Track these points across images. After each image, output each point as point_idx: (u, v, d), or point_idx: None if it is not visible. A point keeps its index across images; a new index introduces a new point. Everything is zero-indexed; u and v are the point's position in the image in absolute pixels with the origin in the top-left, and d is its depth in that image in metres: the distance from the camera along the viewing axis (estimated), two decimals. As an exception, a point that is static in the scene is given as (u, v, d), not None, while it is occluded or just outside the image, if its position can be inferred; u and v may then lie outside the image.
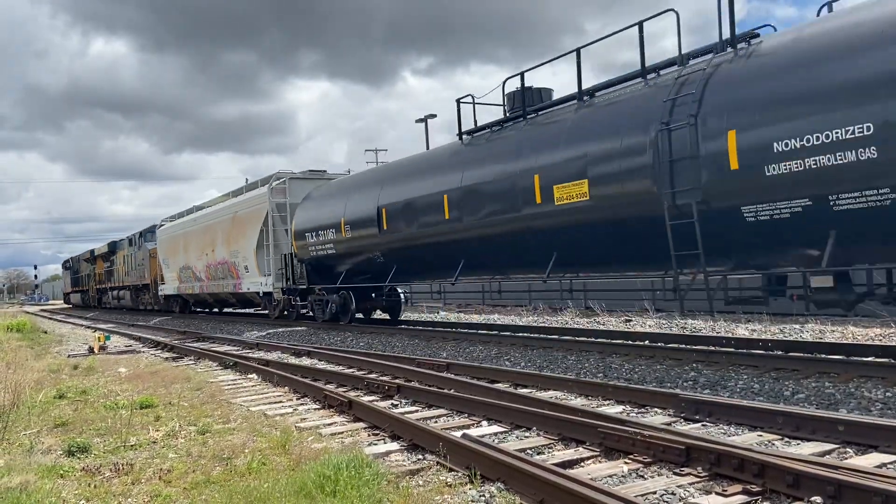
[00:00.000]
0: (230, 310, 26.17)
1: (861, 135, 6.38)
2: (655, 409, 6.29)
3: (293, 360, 11.45)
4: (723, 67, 7.96)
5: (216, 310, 26.90)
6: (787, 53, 7.33)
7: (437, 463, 4.80)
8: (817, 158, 6.72)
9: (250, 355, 12.22)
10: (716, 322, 13.15)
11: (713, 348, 9.43)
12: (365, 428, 6.14)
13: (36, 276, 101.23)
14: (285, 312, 19.15)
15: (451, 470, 4.64)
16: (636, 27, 9.25)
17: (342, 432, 6.01)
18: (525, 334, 12.91)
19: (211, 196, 24.00)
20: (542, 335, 12.60)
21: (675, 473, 4.34)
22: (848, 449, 4.75)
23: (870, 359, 7.89)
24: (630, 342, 10.57)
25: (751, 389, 6.92)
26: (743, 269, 8.35)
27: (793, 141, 6.91)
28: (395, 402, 7.31)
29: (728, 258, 8.18)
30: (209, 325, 21.77)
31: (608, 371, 8.56)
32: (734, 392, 6.90)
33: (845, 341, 9.89)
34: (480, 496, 4.10)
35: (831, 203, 6.74)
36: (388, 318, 17.88)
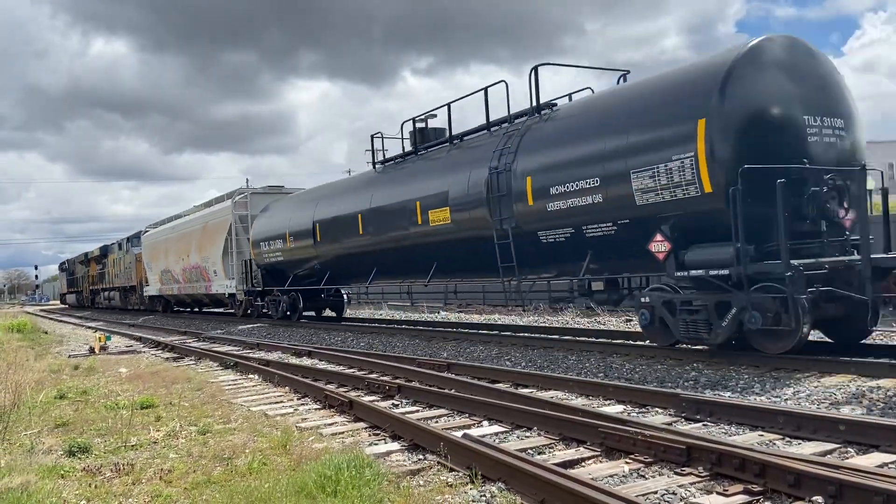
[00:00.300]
0: (207, 309, 28.66)
1: (594, 185, 9.41)
2: (656, 409, 6.29)
3: (294, 360, 11.45)
4: (531, 128, 11.02)
5: (195, 309, 29.25)
6: (560, 124, 10.60)
7: (438, 463, 4.80)
8: (573, 200, 9.75)
9: (251, 355, 12.22)
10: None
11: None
12: (366, 428, 6.14)
13: (36, 277, 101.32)
14: (248, 311, 21.54)
15: (451, 470, 4.64)
16: (482, 92, 12.32)
17: (343, 432, 6.01)
18: (525, 334, 12.90)
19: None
20: (542, 335, 12.60)
21: (676, 473, 4.33)
22: (849, 448, 4.74)
23: (870, 359, 7.87)
24: (631, 342, 10.57)
25: (752, 389, 6.91)
26: (556, 277, 11.32)
27: (560, 187, 9.91)
28: (396, 402, 7.30)
29: (536, 268, 11.03)
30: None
31: (609, 371, 8.56)
32: (735, 392, 6.89)
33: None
34: (481, 496, 4.10)
35: (585, 231, 9.76)
36: (334, 315, 20.87)
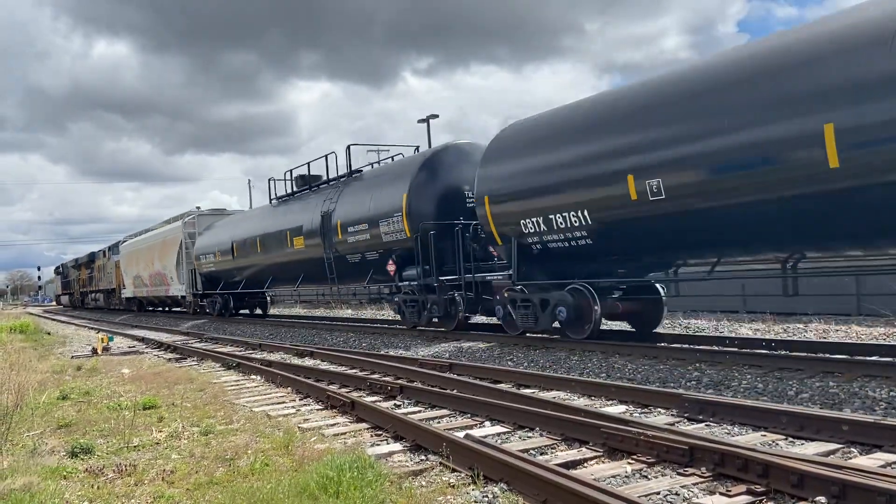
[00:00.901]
0: (169, 308, 33.58)
1: (365, 228, 15.60)
2: (659, 409, 6.28)
3: (296, 361, 11.45)
4: (346, 187, 16.87)
5: (161, 308, 34.32)
6: (359, 184, 16.52)
7: (440, 463, 4.79)
8: (357, 237, 15.83)
9: (253, 356, 12.23)
10: (719, 322, 13.20)
11: (716, 348, 9.41)
12: (368, 428, 6.13)
13: (39, 278, 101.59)
14: (196, 310, 27.02)
15: (454, 470, 4.64)
16: (331, 155, 18.47)
17: (345, 433, 6.01)
18: (528, 334, 12.88)
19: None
20: (544, 336, 12.58)
21: (679, 474, 4.33)
22: (852, 449, 4.73)
23: (874, 358, 7.86)
24: (633, 342, 10.55)
25: (754, 389, 6.90)
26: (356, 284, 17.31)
27: (352, 227, 15.85)
28: (398, 403, 7.30)
29: (345, 279, 17.15)
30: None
31: (611, 371, 8.55)
32: (738, 392, 6.88)
33: (849, 341, 9.87)
34: (483, 497, 4.09)
35: (366, 256, 16.13)
36: (260, 313, 26.23)
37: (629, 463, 4.62)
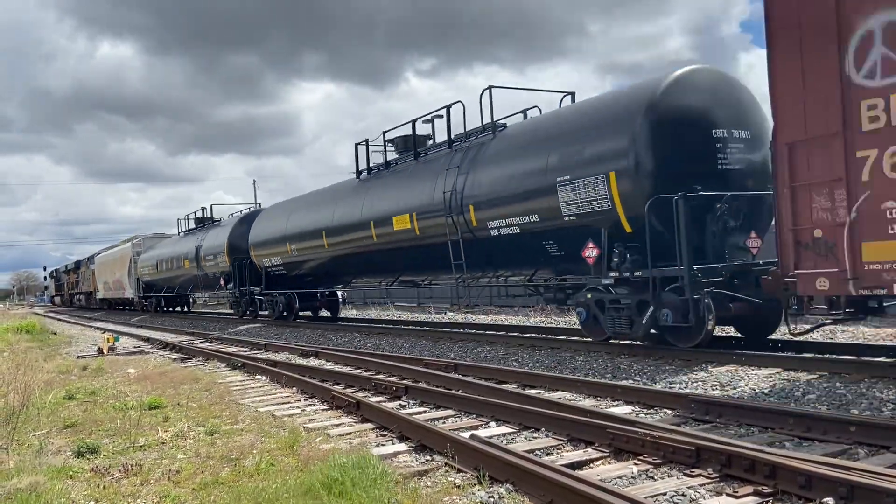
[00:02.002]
0: (126, 307, 41.37)
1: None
2: (665, 410, 6.26)
3: (301, 361, 11.46)
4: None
5: (119, 307, 42.69)
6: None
7: (446, 464, 4.79)
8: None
9: (258, 356, 12.24)
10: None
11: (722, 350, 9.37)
12: (373, 429, 6.13)
13: (45, 278, 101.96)
14: (142, 308, 35.68)
15: (459, 471, 4.63)
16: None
17: (350, 433, 6.01)
18: (533, 335, 12.88)
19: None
20: (549, 336, 12.57)
21: (686, 474, 4.31)
22: (859, 450, 4.71)
23: (881, 359, 7.82)
24: (638, 343, 10.51)
25: (761, 390, 6.87)
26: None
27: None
28: (403, 403, 7.30)
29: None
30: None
31: (617, 371, 8.53)
32: (744, 393, 6.85)
33: (856, 341, 9.82)
34: (489, 497, 4.08)
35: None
36: (180, 309, 35.06)
37: (635, 464, 4.61)
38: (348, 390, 7.96)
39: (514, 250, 11.40)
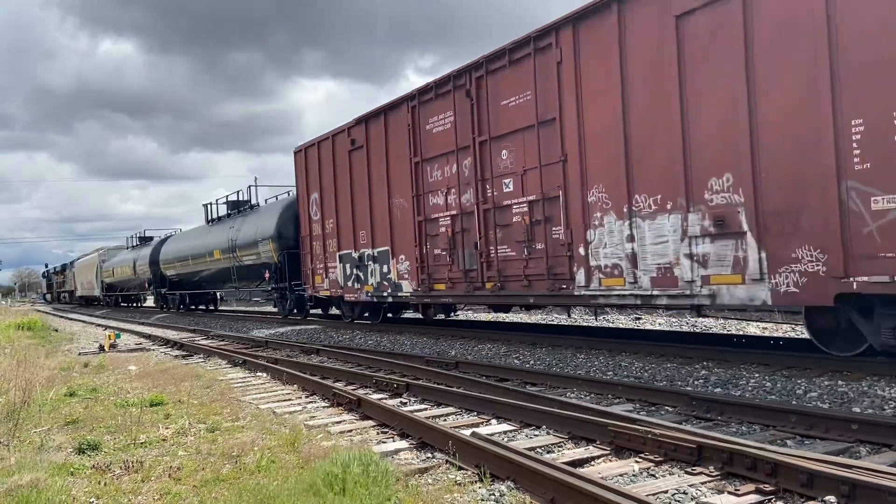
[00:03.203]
0: (96, 303, 49.95)
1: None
2: (666, 408, 6.25)
3: (302, 359, 11.46)
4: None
5: (93, 303, 50.50)
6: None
7: (447, 461, 4.78)
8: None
9: (259, 353, 12.24)
10: (727, 320, 13.17)
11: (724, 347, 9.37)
12: (374, 426, 6.13)
13: (43, 275, 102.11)
14: (105, 303, 44.77)
15: (460, 468, 4.62)
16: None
17: (351, 430, 6.01)
18: (534, 333, 12.87)
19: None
20: (551, 333, 12.56)
21: (687, 472, 4.30)
22: (861, 448, 4.70)
23: (882, 357, 7.80)
24: (640, 340, 10.52)
25: (763, 388, 6.86)
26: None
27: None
28: (404, 401, 7.29)
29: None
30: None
31: (618, 369, 8.52)
32: (746, 390, 6.84)
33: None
34: (490, 495, 4.08)
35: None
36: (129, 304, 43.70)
37: (637, 461, 4.60)
38: (349, 388, 7.96)
39: (252, 272, 21.34)
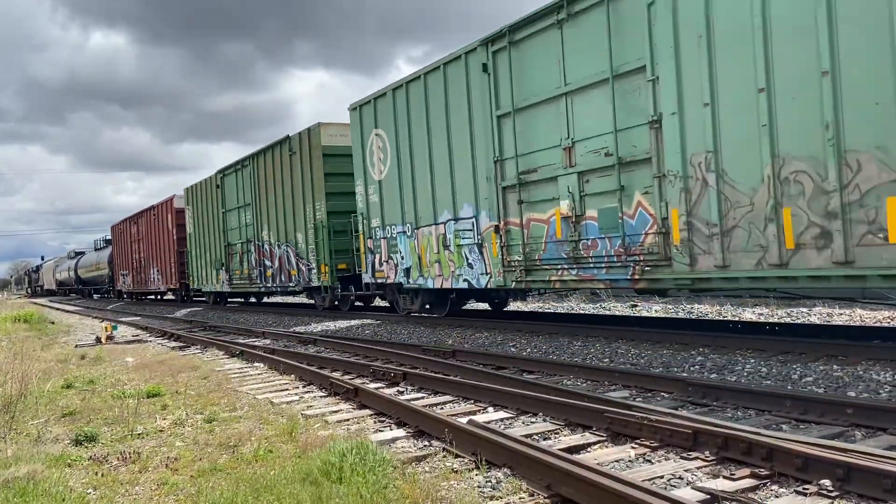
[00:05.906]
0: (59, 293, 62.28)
1: None
2: (662, 394, 6.27)
3: (299, 349, 11.47)
4: None
5: (68, 294, 60.27)
6: None
7: (444, 449, 4.80)
8: None
9: (257, 343, 12.25)
10: (722, 306, 13.20)
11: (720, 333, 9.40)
12: (371, 415, 6.14)
13: (35, 269, 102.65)
14: (67, 294, 58.36)
15: (457, 456, 4.64)
16: None
17: (348, 419, 6.02)
18: (530, 321, 12.89)
19: None
20: (547, 321, 12.58)
21: (683, 458, 4.32)
22: (856, 432, 4.72)
23: (877, 342, 7.83)
24: (637, 327, 10.54)
25: (758, 373, 6.89)
26: None
27: None
28: (401, 389, 7.31)
29: None
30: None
31: (614, 356, 8.54)
32: (741, 376, 6.87)
33: (853, 324, 9.85)
34: (487, 482, 4.09)
35: None
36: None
37: (633, 447, 4.62)
38: (346, 377, 7.97)
39: None
